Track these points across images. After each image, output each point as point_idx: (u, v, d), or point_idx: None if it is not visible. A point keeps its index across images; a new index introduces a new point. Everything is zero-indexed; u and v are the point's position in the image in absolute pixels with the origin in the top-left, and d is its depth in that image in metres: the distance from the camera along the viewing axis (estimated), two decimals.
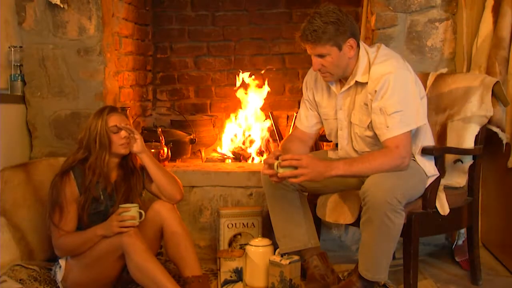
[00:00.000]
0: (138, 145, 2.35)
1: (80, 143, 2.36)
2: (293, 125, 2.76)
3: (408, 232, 2.23)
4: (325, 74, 2.29)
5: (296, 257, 2.41)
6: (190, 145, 3.48)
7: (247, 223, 2.79)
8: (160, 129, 3.19)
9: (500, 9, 2.62)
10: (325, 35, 2.17)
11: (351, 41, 2.21)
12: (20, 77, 3.04)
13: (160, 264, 2.19)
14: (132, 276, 2.20)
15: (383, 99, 2.18)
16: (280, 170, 2.13)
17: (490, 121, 2.47)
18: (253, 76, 3.79)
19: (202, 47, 4.07)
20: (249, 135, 3.66)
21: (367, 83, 2.24)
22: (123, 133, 2.34)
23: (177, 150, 3.33)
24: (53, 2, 2.93)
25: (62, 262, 2.33)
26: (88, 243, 2.25)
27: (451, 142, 2.48)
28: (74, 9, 3.00)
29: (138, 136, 2.35)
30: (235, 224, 2.78)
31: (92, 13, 3.00)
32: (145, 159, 2.37)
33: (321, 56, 2.22)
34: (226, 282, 2.49)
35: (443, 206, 2.30)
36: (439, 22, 2.94)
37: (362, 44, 2.30)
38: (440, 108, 2.57)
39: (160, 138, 3.13)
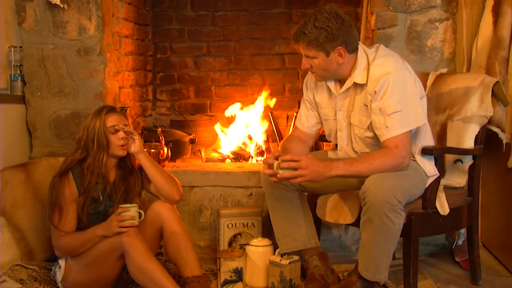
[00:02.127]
0: (136, 146, 2.35)
1: (78, 143, 2.36)
2: (293, 125, 2.76)
3: (408, 232, 2.23)
4: (314, 74, 2.33)
5: (296, 257, 2.41)
6: (190, 145, 3.48)
7: (247, 223, 2.79)
8: (160, 129, 3.19)
9: (500, 9, 2.62)
10: (314, 40, 2.18)
11: (341, 49, 2.21)
12: (20, 77, 3.04)
13: (160, 264, 2.19)
14: (132, 276, 2.20)
15: (382, 99, 2.18)
16: (280, 171, 2.13)
17: (490, 121, 2.47)
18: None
19: (202, 47, 4.07)
20: (249, 135, 3.66)
21: (365, 84, 2.24)
22: (121, 133, 2.33)
23: (177, 150, 3.33)
24: (53, 2, 2.93)
25: (61, 262, 2.33)
26: (87, 243, 2.25)
27: (451, 142, 2.48)
28: (74, 9, 3.00)
29: (136, 137, 2.35)
30: (235, 224, 2.78)
31: (92, 13, 2.99)
32: (143, 160, 2.37)
33: (309, 57, 2.24)
34: (226, 282, 2.49)
35: (443, 206, 2.30)
36: (439, 22, 2.94)
37: (360, 45, 2.30)
38: (440, 108, 2.57)
39: (160, 138, 3.13)
